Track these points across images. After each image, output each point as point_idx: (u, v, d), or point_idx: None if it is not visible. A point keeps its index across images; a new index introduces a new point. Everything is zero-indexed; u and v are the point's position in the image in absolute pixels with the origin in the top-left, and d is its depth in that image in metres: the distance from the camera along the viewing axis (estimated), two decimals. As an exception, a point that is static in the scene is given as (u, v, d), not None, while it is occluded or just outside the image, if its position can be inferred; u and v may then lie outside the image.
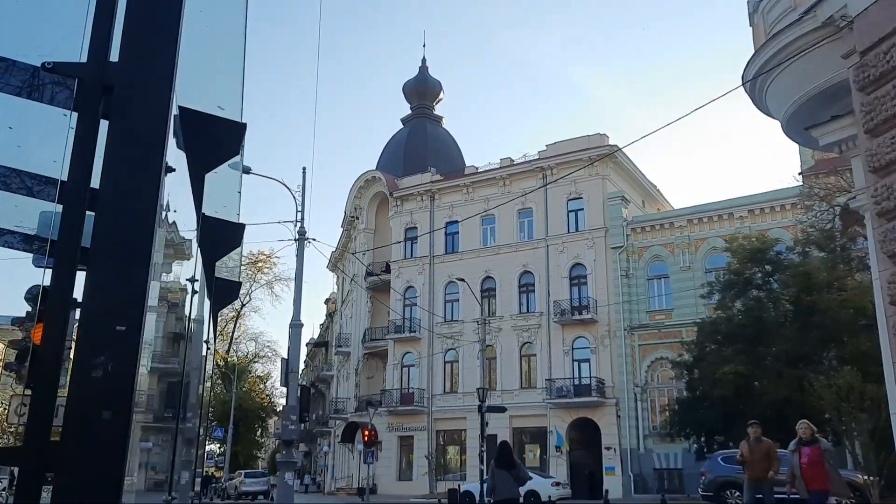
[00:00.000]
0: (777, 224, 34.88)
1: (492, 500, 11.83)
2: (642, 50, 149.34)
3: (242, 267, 63.24)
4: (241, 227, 4.13)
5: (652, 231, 38.59)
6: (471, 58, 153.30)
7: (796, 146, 36.11)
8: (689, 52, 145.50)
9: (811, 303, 24.05)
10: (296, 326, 16.57)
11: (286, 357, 16.45)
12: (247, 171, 17.04)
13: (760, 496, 11.83)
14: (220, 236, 4.08)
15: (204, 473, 61.47)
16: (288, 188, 16.98)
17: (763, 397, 22.13)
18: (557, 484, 30.47)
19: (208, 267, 4.04)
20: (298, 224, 17.05)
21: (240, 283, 4.90)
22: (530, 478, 13.04)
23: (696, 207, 38.02)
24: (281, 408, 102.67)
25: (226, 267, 4.64)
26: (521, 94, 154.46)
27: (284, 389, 32.05)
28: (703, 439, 29.79)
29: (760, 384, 23.56)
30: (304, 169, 16.55)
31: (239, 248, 4.31)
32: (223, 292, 4.66)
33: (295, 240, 16.98)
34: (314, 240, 17.08)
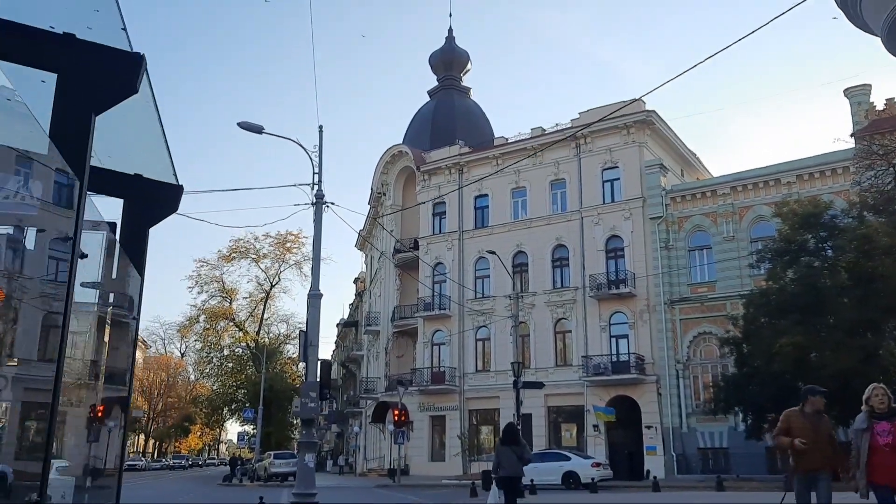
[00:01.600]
0: (828, 189, 32.74)
1: (496, 477, 12.29)
2: (672, 26, 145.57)
3: (269, 248, 62.85)
4: (135, 58, 2.61)
5: (693, 200, 36.67)
6: (497, 31, 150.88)
7: (847, 107, 34.11)
8: (721, 25, 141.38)
9: (872, 269, 22.25)
10: (314, 297, 15.31)
11: (304, 329, 15.21)
12: (259, 130, 15.75)
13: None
14: (92, 67, 2.60)
15: (231, 455, 61.69)
16: (303, 147, 15.66)
17: (823, 370, 20.39)
18: (598, 465, 28.95)
19: (74, 123, 2.60)
20: (315, 187, 15.73)
21: (178, 188, 3.36)
22: (531, 459, 13.23)
23: (740, 174, 35.98)
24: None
25: (144, 160, 3.30)
26: (550, 69, 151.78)
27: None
28: (750, 418, 28.22)
29: (820, 356, 21.83)
30: (320, 127, 15.10)
31: (147, 105, 2.92)
32: (152, 199, 3.31)
33: (312, 204, 15.65)
34: (332, 203, 15.77)
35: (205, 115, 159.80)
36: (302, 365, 60.33)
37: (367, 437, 54.63)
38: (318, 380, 14.78)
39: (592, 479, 26.54)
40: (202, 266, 62.34)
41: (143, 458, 66.83)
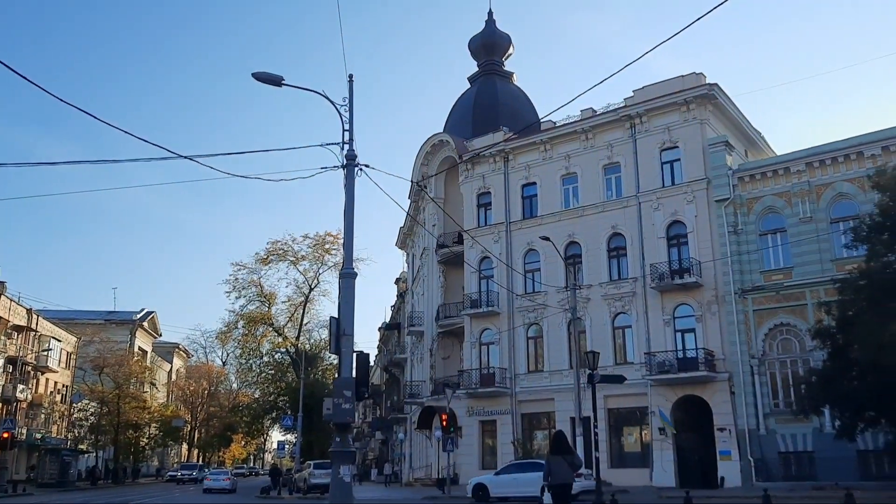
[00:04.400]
0: (920, 160, 29.21)
1: (548, 485, 12.57)
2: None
3: (307, 249, 60.70)
4: None
5: (763, 179, 33.32)
6: (538, 19, 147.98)
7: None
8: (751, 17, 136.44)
9: None
10: (347, 276, 12.74)
11: (335, 316, 12.64)
12: (278, 82, 13.28)
13: None
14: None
15: (273, 465, 59.44)
16: (331, 101, 13.14)
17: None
18: (579, 475, 26.05)
19: None
20: (346, 146, 13.21)
21: None
22: (582, 464, 13.75)
23: (816, 148, 32.51)
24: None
25: None
26: (591, 72, 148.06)
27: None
28: (844, 417, 24.88)
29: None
30: (349, 77, 12.77)
31: None
32: None
33: (342, 166, 13.14)
34: (366, 166, 13.21)
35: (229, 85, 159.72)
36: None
37: (412, 445, 52.06)
38: (354, 376, 12.22)
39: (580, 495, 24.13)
40: (239, 270, 60.58)
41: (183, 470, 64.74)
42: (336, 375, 47.45)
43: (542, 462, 27.35)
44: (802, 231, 31.69)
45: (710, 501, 22.18)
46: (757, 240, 33.11)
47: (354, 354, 12.40)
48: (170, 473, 62.74)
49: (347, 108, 13.15)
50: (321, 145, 13.10)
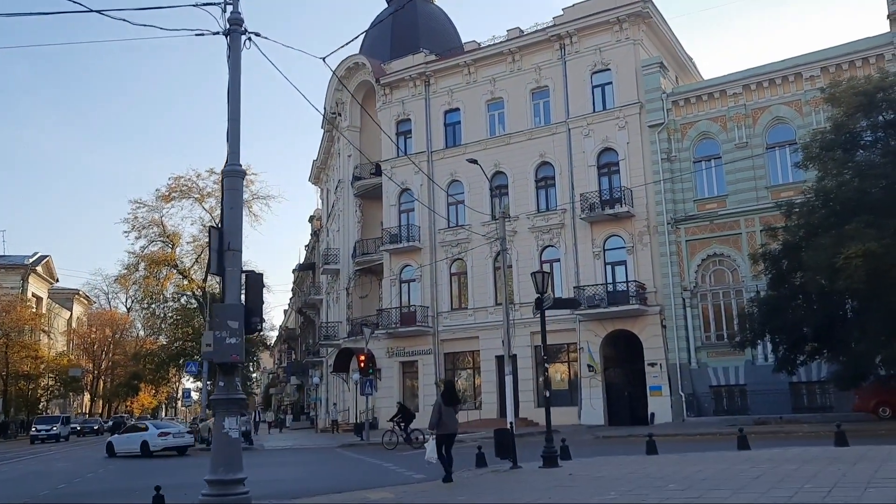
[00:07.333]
0: (861, 82, 27.97)
1: (435, 434, 12.94)
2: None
3: (213, 185, 56.29)
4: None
5: (698, 103, 31.66)
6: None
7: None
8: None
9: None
10: (232, 174, 9.81)
11: (218, 226, 9.77)
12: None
13: None
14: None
15: (116, 417, 53.02)
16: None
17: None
18: (166, 434, 28.14)
19: None
20: (229, 7, 10.13)
21: None
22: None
23: (753, 69, 30.94)
24: (273, 340, 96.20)
25: None
26: None
27: (280, 315, 25.80)
28: (783, 347, 23.87)
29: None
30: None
31: None
32: None
33: (225, 33, 10.07)
34: (256, 34, 10.18)
35: None
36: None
37: (328, 389, 49.65)
38: (244, 303, 9.46)
39: (159, 447, 27.23)
40: (138, 207, 55.52)
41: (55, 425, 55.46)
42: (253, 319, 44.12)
43: (144, 423, 29.32)
44: (738, 157, 30.30)
45: (669, 440, 20.34)
46: (691, 167, 31.59)
47: (244, 276, 9.60)
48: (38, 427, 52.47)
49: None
50: (195, 5, 9.98)
